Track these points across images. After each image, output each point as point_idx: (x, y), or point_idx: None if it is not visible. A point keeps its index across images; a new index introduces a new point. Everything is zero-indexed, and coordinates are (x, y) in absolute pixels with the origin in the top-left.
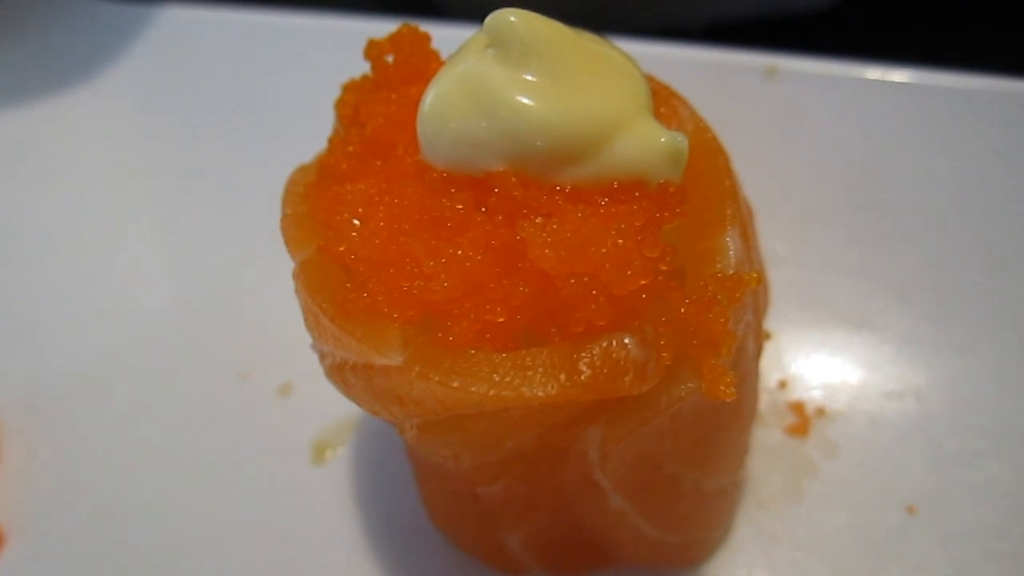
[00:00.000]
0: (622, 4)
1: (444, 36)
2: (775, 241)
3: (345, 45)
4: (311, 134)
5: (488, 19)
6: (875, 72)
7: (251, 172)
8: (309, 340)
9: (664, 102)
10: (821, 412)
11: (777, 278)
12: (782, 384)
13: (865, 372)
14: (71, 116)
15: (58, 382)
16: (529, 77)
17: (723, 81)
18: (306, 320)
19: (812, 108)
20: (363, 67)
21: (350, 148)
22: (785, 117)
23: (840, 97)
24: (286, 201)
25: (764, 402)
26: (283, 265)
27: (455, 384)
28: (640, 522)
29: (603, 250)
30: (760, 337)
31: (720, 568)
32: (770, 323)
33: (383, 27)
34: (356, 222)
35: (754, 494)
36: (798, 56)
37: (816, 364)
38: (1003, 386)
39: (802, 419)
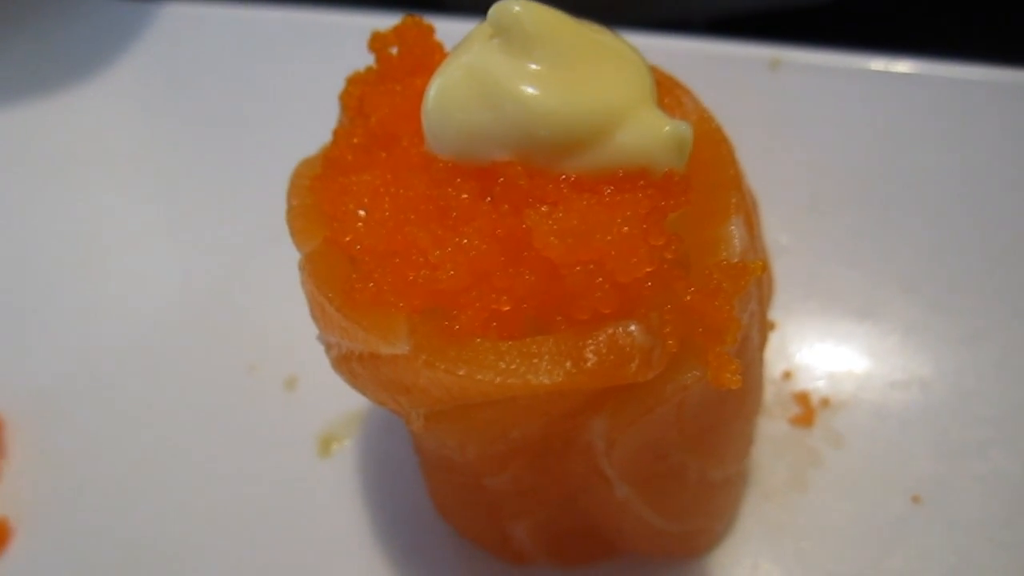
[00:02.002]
0: None
1: (448, 29)
2: (779, 232)
3: (349, 39)
4: (316, 127)
5: (492, 9)
6: (878, 63)
7: (256, 166)
8: (314, 333)
9: (668, 92)
10: (826, 402)
11: (781, 269)
12: (787, 375)
13: (870, 362)
14: (76, 113)
15: (65, 377)
16: (533, 67)
17: (727, 73)
18: (312, 311)
19: (816, 99)
20: (367, 61)
21: (355, 140)
22: (789, 109)
23: (844, 88)
24: (292, 193)
25: (769, 393)
26: (288, 259)
27: (461, 372)
28: (645, 511)
29: (608, 238)
30: (765, 327)
31: (726, 558)
32: (774, 314)
33: (387, 21)
34: (362, 213)
35: (759, 484)
36: (801, 48)
37: (821, 354)
38: (1008, 376)
39: (807, 410)
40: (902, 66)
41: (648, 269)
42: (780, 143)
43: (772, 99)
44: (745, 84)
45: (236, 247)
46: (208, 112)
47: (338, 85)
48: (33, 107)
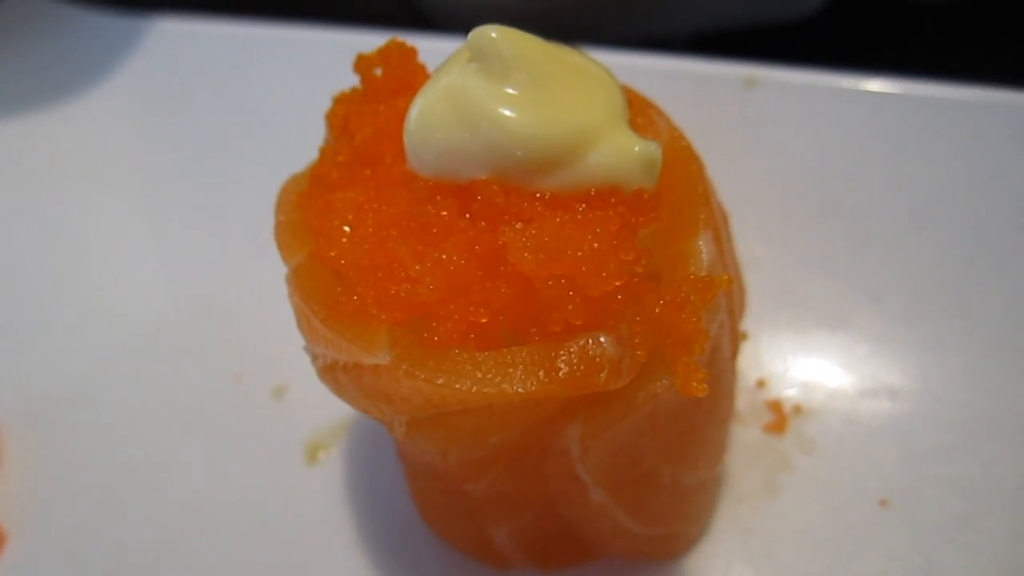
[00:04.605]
0: (608, 16)
1: (430, 48)
2: (753, 245)
3: (336, 57)
4: (303, 144)
5: (471, 35)
6: (849, 81)
7: (244, 181)
8: (301, 343)
9: (640, 112)
10: (798, 410)
11: (755, 281)
12: (760, 383)
13: (840, 371)
14: (65, 126)
15: (57, 385)
16: (510, 90)
17: (704, 91)
18: (299, 323)
19: (789, 116)
20: (353, 79)
21: (340, 158)
22: (763, 125)
23: (817, 105)
24: (279, 209)
25: (742, 401)
26: (275, 271)
27: (440, 381)
28: (620, 515)
29: (579, 253)
30: (736, 337)
31: (700, 560)
32: (748, 324)
33: (373, 39)
34: (346, 229)
35: (733, 489)
36: (776, 66)
37: (793, 364)
38: (972, 384)
39: (779, 417)
40: (871, 84)
41: (618, 283)
42: (756, 158)
43: (747, 116)
44: (721, 101)
45: (225, 260)
46: (197, 128)
47: (325, 101)
48: (24, 120)
